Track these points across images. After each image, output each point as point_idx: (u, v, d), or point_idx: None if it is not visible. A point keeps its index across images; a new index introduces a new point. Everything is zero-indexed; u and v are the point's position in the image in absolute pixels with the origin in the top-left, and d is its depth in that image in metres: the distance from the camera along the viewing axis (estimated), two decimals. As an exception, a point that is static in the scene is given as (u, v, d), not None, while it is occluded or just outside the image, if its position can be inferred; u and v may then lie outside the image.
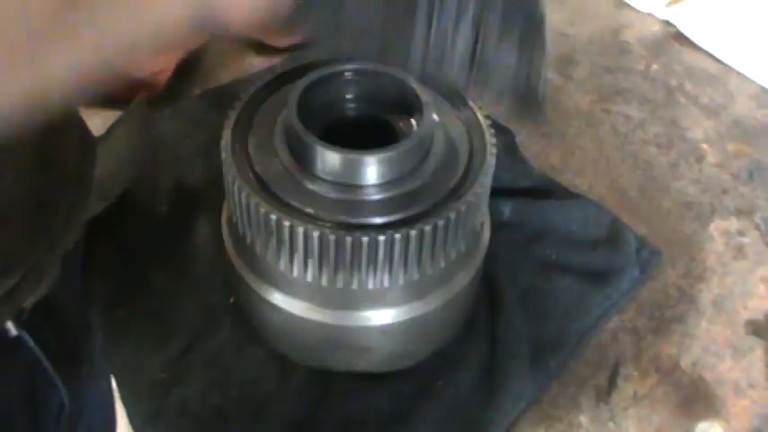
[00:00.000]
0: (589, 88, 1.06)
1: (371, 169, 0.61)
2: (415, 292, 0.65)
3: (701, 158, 0.96)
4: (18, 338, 0.62)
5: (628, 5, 1.23)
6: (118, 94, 0.95)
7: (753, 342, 0.77)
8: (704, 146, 0.98)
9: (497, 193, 0.80)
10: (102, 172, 0.64)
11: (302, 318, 0.66)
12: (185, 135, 0.93)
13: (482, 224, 0.70)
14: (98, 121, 0.91)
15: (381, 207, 0.61)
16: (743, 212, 0.89)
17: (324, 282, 0.62)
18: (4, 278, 0.51)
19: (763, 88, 1.07)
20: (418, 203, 0.61)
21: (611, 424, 0.70)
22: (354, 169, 0.61)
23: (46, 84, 0.31)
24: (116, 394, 0.74)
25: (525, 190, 0.88)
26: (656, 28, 1.19)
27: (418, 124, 0.63)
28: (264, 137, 0.66)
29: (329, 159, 0.61)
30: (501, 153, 0.80)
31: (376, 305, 0.65)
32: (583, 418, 0.70)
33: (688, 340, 0.76)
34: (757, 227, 0.88)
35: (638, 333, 0.77)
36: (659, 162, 0.95)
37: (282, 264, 0.62)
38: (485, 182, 0.63)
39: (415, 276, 0.62)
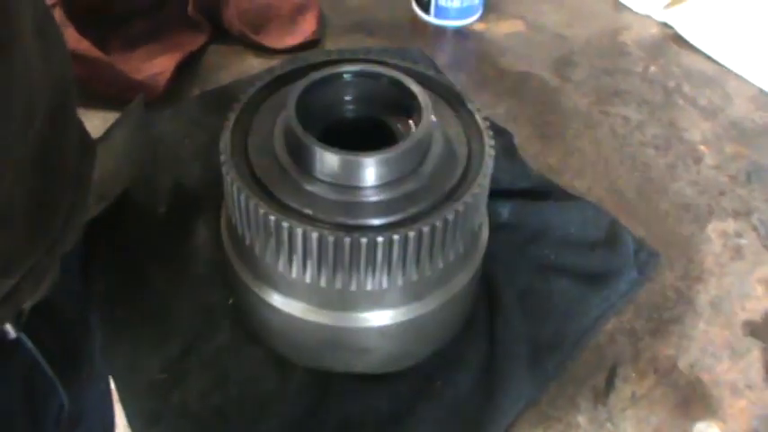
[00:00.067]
0: (587, 90, 1.06)
1: (370, 171, 0.61)
2: (413, 293, 0.65)
3: (698, 160, 0.96)
4: (17, 340, 0.62)
5: (626, 7, 1.23)
6: (117, 95, 0.95)
7: (750, 343, 0.77)
8: (702, 147, 0.98)
9: (496, 194, 0.80)
10: (100, 173, 0.65)
11: (301, 319, 0.66)
12: (184, 136, 0.93)
13: (480, 225, 0.70)
14: (97, 122, 0.91)
15: (380, 208, 0.61)
16: (740, 214, 0.89)
17: (322, 283, 0.62)
18: (4, 278, 0.51)
19: (761, 90, 1.08)
20: (417, 205, 0.61)
21: (608, 425, 0.70)
22: (353, 170, 0.61)
23: None
24: (115, 396, 0.74)
25: (524, 191, 0.88)
26: (655, 30, 1.19)
27: (417, 126, 0.63)
28: (263, 138, 0.66)
29: (328, 161, 0.61)
30: (499, 154, 0.81)
31: (374, 306, 0.65)
32: (581, 419, 0.70)
33: (686, 341, 0.76)
34: (755, 228, 0.88)
35: (636, 334, 0.77)
36: (657, 164, 0.95)
37: (281, 265, 0.63)
38: (483, 183, 0.63)
39: (414, 277, 0.63)
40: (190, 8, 1.05)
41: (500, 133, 0.93)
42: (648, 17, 1.21)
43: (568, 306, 0.77)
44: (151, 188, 0.86)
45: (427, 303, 0.66)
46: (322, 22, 1.14)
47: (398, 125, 0.68)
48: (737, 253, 0.85)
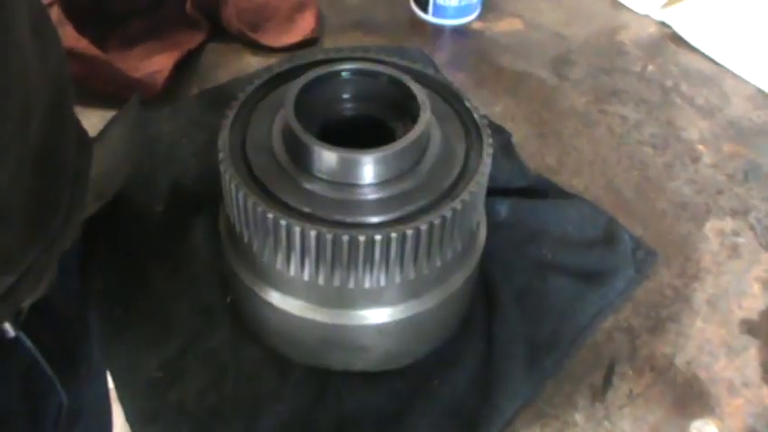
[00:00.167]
0: (585, 89, 1.06)
1: (368, 168, 0.61)
2: (411, 291, 0.65)
3: (696, 159, 0.96)
4: (16, 339, 0.62)
5: (624, 7, 1.24)
6: (115, 93, 0.95)
7: (747, 341, 0.77)
8: (700, 146, 0.98)
9: (494, 192, 0.81)
10: (98, 171, 0.65)
11: (299, 317, 0.66)
12: (183, 135, 0.93)
13: (478, 224, 0.70)
14: (95, 121, 0.91)
15: (378, 206, 0.61)
16: (738, 213, 0.90)
17: (320, 281, 0.62)
18: (2, 276, 0.51)
19: (758, 89, 1.08)
20: (414, 203, 0.61)
21: (606, 423, 0.70)
22: (351, 168, 0.61)
23: None
24: (112, 394, 0.74)
25: (521, 190, 0.88)
26: (652, 29, 1.19)
27: (415, 124, 0.63)
28: (262, 136, 0.66)
29: (326, 158, 0.61)
30: (497, 153, 0.81)
31: (373, 304, 0.65)
32: (578, 417, 0.70)
33: (683, 339, 0.77)
34: (752, 227, 0.88)
35: (634, 332, 0.77)
36: (655, 163, 0.95)
37: (279, 263, 0.63)
38: (481, 181, 0.63)
39: (412, 275, 0.63)
40: (188, 6, 1.05)
41: (498, 132, 0.93)
42: (646, 16, 1.21)
43: (566, 304, 0.77)
44: (149, 187, 0.86)
45: (425, 301, 0.66)
46: (320, 20, 1.15)
47: (396, 123, 0.68)
48: (735, 251, 0.85)
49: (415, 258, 0.61)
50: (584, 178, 0.93)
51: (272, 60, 1.08)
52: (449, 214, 0.59)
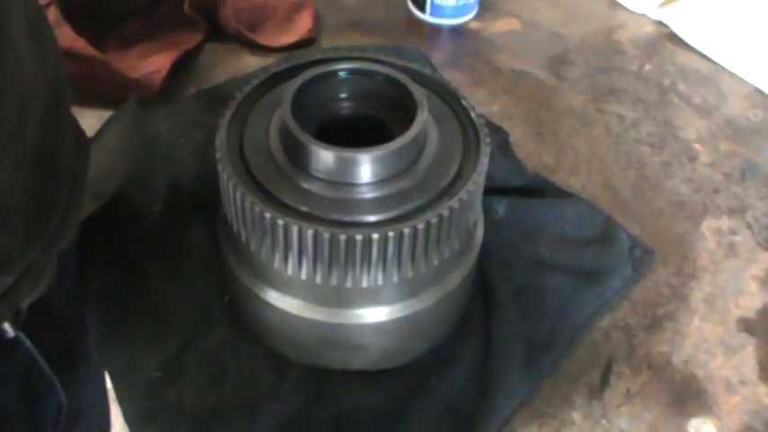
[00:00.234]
0: (583, 88, 1.07)
1: (365, 167, 0.61)
2: (408, 289, 0.65)
3: (693, 158, 0.97)
4: (15, 339, 0.62)
5: (621, 6, 1.24)
6: (113, 93, 0.95)
7: (744, 339, 0.77)
8: (697, 145, 0.98)
9: (491, 191, 0.81)
10: (95, 171, 0.65)
11: (297, 316, 0.66)
12: (181, 135, 0.94)
13: (476, 222, 0.70)
14: (93, 121, 0.91)
15: (375, 205, 0.61)
16: (735, 211, 0.90)
17: (318, 280, 0.62)
18: (2, 275, 0.51)
19: (755, 88, 1.08)
20: (412, 201, 0.61)
21: (603, 421, 0.70)
22: (348, 167, 0.61)
23: None
24: (111, 395, 0.74)
25: (519, 189, 0.88)
26: (650, 28, 1.19)
27: (412, 123, 0.63)
28: (259, 136, 0.66)
29: (323, 158, 0.61)
30: (495, 152, 0.81)
31: (370, 303, 0.65)
32: (575, 416, 0.70)
33: (680, 338, 0.77)
34: (749, 226, 0.88)
35: (631, 331, 0.77)
36: (652, 162, 0.96)
37: (277, 262, 0.63)
38: (478, 180, 0.63)
39: (409, 274, 0.63)
40: (186, 6, 1.05)
41: (495, 131, 0.94)
42: (644, 16, 1.22)
43: (563, 303, 0.77)
44: (147, 186, 0.86)
45: (422, 300, 0.66)
46: (318, 20, 1.15)
47: (394, 123, 0.68)
48: (732, 250, 0.85)
49: (413, 257, 0.61)
50: (581, 177, 0.93)
51: (269, 60, 1.08)
52: (446, 213, 0.60)
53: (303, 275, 0.62)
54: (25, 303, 0.60)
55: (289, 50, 1.09)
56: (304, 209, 0.60)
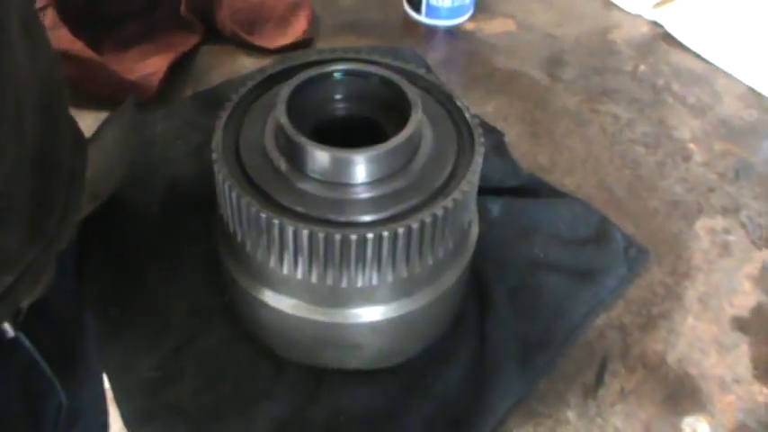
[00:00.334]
0: (577, 89, 1.07)
1: (360, 168, 0.62)
2: (403, 289, 0.65)
3: (687, 158, 0.97)
4: (15, 340, 0.62)
5: (616, 6, 1.24)
6: (110, 95, 0.96)
7: (738, 338, 0.78)
8: (691, 145, 0.99)
9: (486, 191, 0.81)
10: (92, 171, 0.65)
11: (293, 315, 0.66)
12: (177, 136, 0.94)
13: (470, 222, 0.71)
14: (90, 122, 0.92)
15: (370, 205, 0.62)
16: (729, 211, 0.90)
17: (313, 279, 0.62)
18: (2, 275, 0.52)
19: (749, 88, 1.08)
20: (406, 201, 0.62)
21: (598, 419, 0.70)
22: (343, 168, 0.62)
23: None
24: (109, 395, 0.74)
25: (514, 189, 0.88)
26: (644, 29, 1.20)
27: (406, 123, 0.64)
28: (255, 137, 0.66)
29: (318, 158, 0.62)
30: (489, 153, 0.81)
31: (365, 302, 0.65)
32: (570, 414, 0.71)
33: (674, 337, 0.77)
34: (743, 225, 0.89)
35: (625, 330, 0.77)
36: (647, 161, 0.96)
37: (273, 262, 0.63)
38: (472, 180, 0.64)
39: (404, 274, 0.63)
40: (182, 9, 1.06)
41: (490, 131, 0.94)
42: (638, 16, 1.22)
43: (558, 302, 0.78)
44: (145, 187, 0.87)
45: (417, 299, 0.67)
46: (314, 22, 1.15)
47: (389, 123, 0.68)
48: (726, 249, 0.86)
49: (407, 257, 0.62)
50: (576, 177, 0.93)
51: (265, 62, 1.08)
52: (440, 213, 0.60)
53: (299, 275, 0.63)
54: (25, 304, 0.60)
55: (285, 52, 1.09)
56: (299, 209, 0.61)
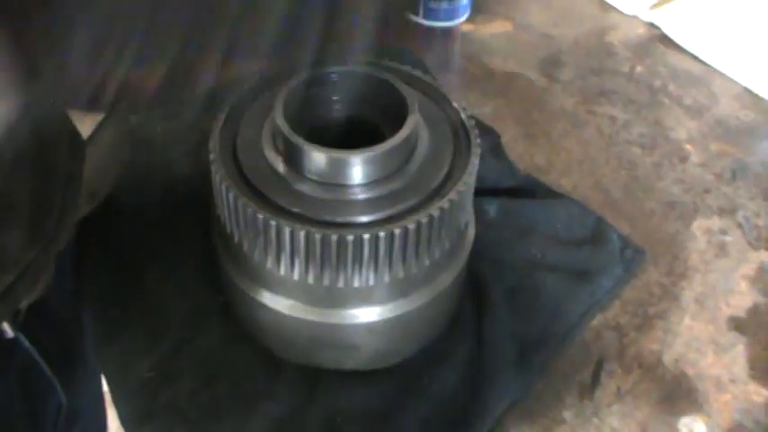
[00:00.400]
0: (574, 90, 1.07)
1: (357, 169, 0.62)
2: (400, 289, 0.66)
3: (684, 158, 0.97)
4: (15, 340, 0.62)
5: (613, 8, 1.24)
6: (106, 95, 0.96)
7: (734, 338, 0.78)
8: (688, 146, 0.99)
9: (483, 192, 0.81)
10: (89, 172, 0.65)
11: (290, 316, 0.67)
12: (174, 137, 0.94)
13: (467, 223, 0.71)
14: (89, 124, 0.92)
15: (367, 206, 0.62)
16: (725, 211, 0.90)
17: (310, 280, 0.63)
18: (1, 274, 0.52)
19: (746, 89, 1.09)
20: (403, 202, 0.62)
21: (594, 419, 0.71)
22: (340, 169, 0.62)
23: None
24: (107, 397, 0.75)
25: (510, 190, 0.88)
26: (641, 30, 1.20)
27: (403, 125, 0.64)
28: (252, 138, 0.67)
29: (315, 159, 0.62)
30: (486, 154, 0.82)
31: (362, 303, 0.65)
32: (567, 414, 0.71)
33: (671, 337, 0.77)
34: (740, 225, 0.89)
35: (622, 330, 0.78)
36: (643, 162, 0.96)
37: (270, 262, 0.63)
38: (468, 181, 0.64)
39: (401, 274, 0.63)
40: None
41: (487, 132, 0.94)
42: (635, 17, 1.22)
43: (555, 303, 0.78)
44: (142, 188, 0.87)
45: (414, 300, 0.67)
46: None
47: (385, 125, 0.68)
48: (722, 250, 0.86)
49: (404, 257, 0.62)
50: (572, 178, 0.93)
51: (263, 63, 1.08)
52: (436, 213, 0.60)
53: (295, 276, 0.63)
54: (24, 304, 0.60)
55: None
56: (296, 210, 0.61)
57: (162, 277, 0.79)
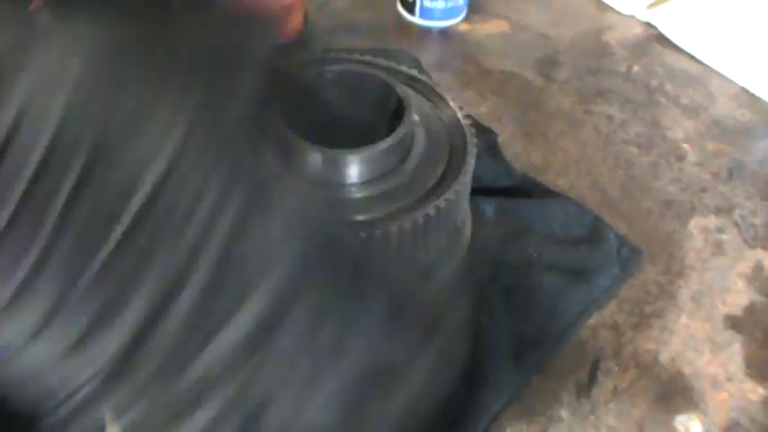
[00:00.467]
0: (571, 89, 1.07)
1: (353, 168, 0.62)
2: (397, 289, 0.66)
3: (681, 158, 0.97)
4: None
5: (610, 8, 1.24)
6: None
7: (731, 337, 0.78)
8: (685, 145, 0.99)
9: (479, 192, 0.81)
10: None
11: (286, 315, 0.66)
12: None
13: (463, 222, 0.71)
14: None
15: (363, 205, 0.62)
16: (722, 210, 0.91)
17: (307, 279, 0.63)
18: None
19: (743, 89, 1.09)
20: (399, 201, 0.62)
21: (591, 417, 0.71)
22: (336, 168, 0.62)
23: None
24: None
25: (507, 189, 0.89)
26: (638, 30, 1.20)
27: (399, 124, 0.64)
28: (248, 137, 0.66)
29: (311, 158, 0.62)
30: (483, 153, 0.82)
31: (359, 302, 0.65)
32: (563, 413, 0.71)
33: (667, 335, 0.77)
34: (736, 224, 0.89)
35: (618, 329, 0.78)
36: (640, 162, 0.96)
37: (266, 262, 0.63)
38: (464, 180, 0.64)
39: (397, 273, 0.63)
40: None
41: (483, 132, 0.94)
42: (632, 17, 1.22)
43: (552, 302, 0.78)
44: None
45: (411, 299, 0.67)
46: (308, 23, 1.15)
47: (382, 124, 0.68)
48: (719, 248, 0.86)
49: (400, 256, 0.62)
50: (569, 178, 0.93)
51: (260, 63, 1.08)
52: (433, 212, 0.60)
53: (292, 275, 0.63)
54: None
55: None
56: (292, 209, 0.61)
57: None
